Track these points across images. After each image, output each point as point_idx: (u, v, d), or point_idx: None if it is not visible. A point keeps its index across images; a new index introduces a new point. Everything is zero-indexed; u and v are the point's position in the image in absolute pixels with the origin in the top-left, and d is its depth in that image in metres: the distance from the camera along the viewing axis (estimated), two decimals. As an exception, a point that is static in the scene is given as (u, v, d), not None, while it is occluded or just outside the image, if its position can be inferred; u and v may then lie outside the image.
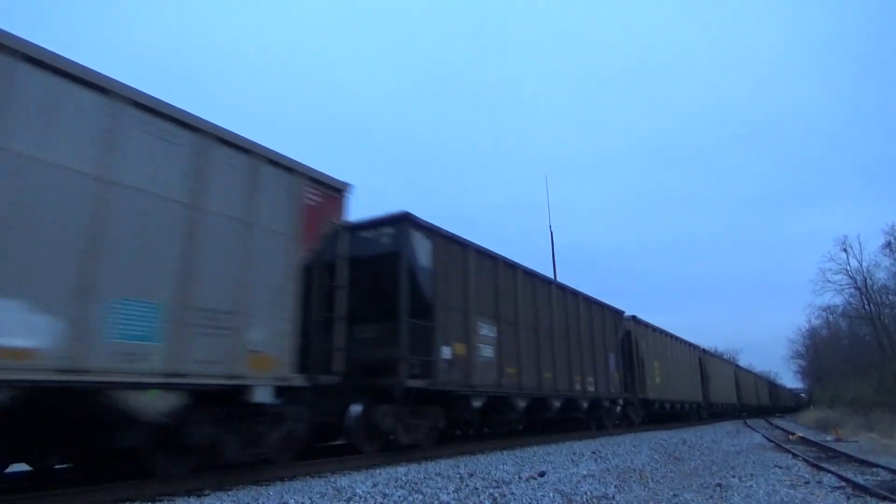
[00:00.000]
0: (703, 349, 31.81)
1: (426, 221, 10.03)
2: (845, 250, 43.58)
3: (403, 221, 9.61)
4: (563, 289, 15.18)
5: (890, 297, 41.95)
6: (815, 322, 61.81)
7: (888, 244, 39.16)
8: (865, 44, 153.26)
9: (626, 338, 19.70)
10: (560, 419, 15.51)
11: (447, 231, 10.56)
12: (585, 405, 15.56)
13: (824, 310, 52.80)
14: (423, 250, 9.75)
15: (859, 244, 45.28)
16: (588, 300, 16.66)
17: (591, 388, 15.68)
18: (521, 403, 12.29)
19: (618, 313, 19.16)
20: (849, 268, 43.61)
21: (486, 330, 11.21)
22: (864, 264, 42.98)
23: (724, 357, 49.14)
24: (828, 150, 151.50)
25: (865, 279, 43.03)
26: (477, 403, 10.62)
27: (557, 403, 13.92)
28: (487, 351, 11.13)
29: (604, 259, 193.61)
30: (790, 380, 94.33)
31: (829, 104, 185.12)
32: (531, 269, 13.47)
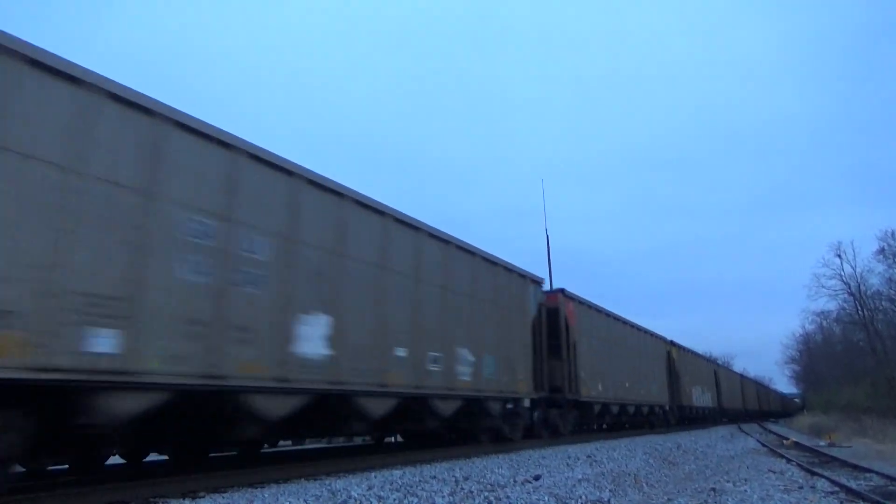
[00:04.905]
0: (673, 342, 25.81)
1: None
2: (839, 256, 43.86)
3: None
4: (417, 228, 9.87)
5: (883, 302, 42.20)
6: (809, 327, 62.21)
7: (882, 250, 39.43)
8: (857, 47, 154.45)
9: (550, 318, 14.73)
10: (403, 430, 10.70)
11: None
12: (449, 409, 10.29)
13: (818, 315, 53.18)
14: None
15: (853, 250, 45.55)
16: (468, 252, 11.37)
17: (464, 380, 10.50)
18: (285, 405, 6.93)
19: (533, 282, 14.00)
20: (843, 273, 43.90)
21: (190, 240, 5.85)
22: (858, 270, 43.27)
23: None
24: (823, 156, 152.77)
25: (859, 285, 43.31)
26: (136, 403, 5.37)
27: (381, 407, 8.60)
28: (188, 287, 5.77)
29: (598, 264, 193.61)
30: (784, 385, 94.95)
31: (822, 109, 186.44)
32: (329, 180, 7.98)
